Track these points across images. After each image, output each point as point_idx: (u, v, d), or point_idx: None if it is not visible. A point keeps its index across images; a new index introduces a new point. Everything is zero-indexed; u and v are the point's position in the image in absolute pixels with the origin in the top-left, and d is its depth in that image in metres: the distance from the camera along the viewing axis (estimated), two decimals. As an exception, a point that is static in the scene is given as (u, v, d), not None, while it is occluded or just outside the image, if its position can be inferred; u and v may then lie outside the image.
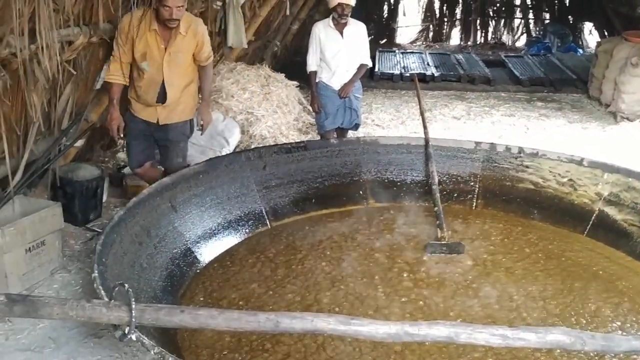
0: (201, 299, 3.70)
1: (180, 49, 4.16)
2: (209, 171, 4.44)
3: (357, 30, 5.41)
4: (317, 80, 5.44)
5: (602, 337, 2.40)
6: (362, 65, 5.47)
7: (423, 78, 9.68)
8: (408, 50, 12.26)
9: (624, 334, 3.37)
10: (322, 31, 5.37)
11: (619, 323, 3.55)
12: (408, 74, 9.83)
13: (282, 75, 7.42)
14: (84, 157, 5.24)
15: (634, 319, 3.60)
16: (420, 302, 3.68)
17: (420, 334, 2.27)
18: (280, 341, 3.24)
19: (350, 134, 5.90)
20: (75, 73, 4.42)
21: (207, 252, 4.14)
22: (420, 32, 14.43)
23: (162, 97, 4.22)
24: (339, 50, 5.32)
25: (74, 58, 4.38)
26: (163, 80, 4.18)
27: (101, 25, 4.33)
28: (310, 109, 5.95)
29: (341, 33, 5.32)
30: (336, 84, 5.41)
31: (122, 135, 4.41)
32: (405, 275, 3.99)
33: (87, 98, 4.71)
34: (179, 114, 4.35)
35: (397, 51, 11.76)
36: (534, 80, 9.89)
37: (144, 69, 4.13)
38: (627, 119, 7.82)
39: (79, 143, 4.79)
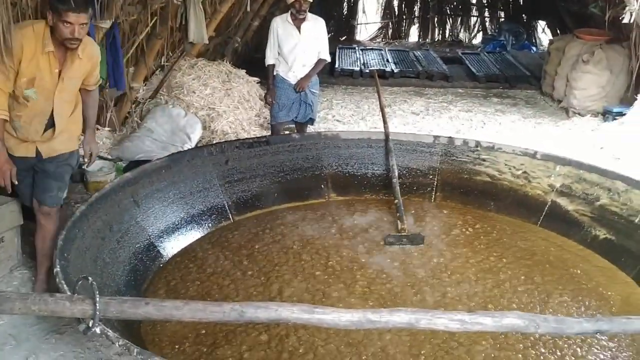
0: (164, 293, 3.70)
1: (76, 75, 3.51)
2: (171, 166, 4.43)
3: (315, 25, 5.47)
4: (274, 74, 5.49)
5: (554, 319, 2.49)
6: (320, 60, 5.53)
7: (382, 74, 9.83)
8: (368, 47, 12.39)
9: (576, 316, 3.51)
10: (280, 26, 5.42)
11: (574, 308, 3.70)
12: (368, 71, 9.94)
13: (243, 72, 7.46)
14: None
15: (586, 302, 3.75)
16: (382, 292, 3.76)
17: (382, 321, 2.33)
18: (245, 332, 3.27)
19: (311, 128, 5.95)
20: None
21: (170, 247, 4.14)
22: (379, 29, 14.60)
23: (48, 130, 3.55)
24: (295, 45, 5.38)
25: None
26: (52, 111, 3.49)
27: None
28: (269, 102, 6.00)
29: (299, 28, 5.38)
30: (293, 78, 5.46)
31: (16, 183, 3.45)
32: (366, 266, 4.06)
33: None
34: (64, 143, 3.64)
35: (357, 48, 11.88)
36: (489, 77, 10.14)
37: (30, 96, 3.38)
38: (579, 114, 8.08)
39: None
